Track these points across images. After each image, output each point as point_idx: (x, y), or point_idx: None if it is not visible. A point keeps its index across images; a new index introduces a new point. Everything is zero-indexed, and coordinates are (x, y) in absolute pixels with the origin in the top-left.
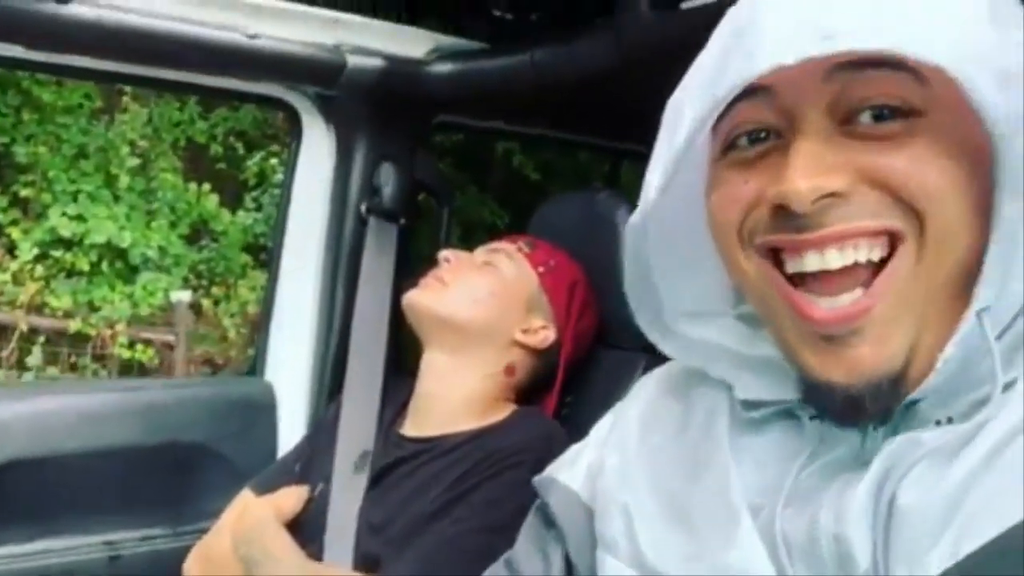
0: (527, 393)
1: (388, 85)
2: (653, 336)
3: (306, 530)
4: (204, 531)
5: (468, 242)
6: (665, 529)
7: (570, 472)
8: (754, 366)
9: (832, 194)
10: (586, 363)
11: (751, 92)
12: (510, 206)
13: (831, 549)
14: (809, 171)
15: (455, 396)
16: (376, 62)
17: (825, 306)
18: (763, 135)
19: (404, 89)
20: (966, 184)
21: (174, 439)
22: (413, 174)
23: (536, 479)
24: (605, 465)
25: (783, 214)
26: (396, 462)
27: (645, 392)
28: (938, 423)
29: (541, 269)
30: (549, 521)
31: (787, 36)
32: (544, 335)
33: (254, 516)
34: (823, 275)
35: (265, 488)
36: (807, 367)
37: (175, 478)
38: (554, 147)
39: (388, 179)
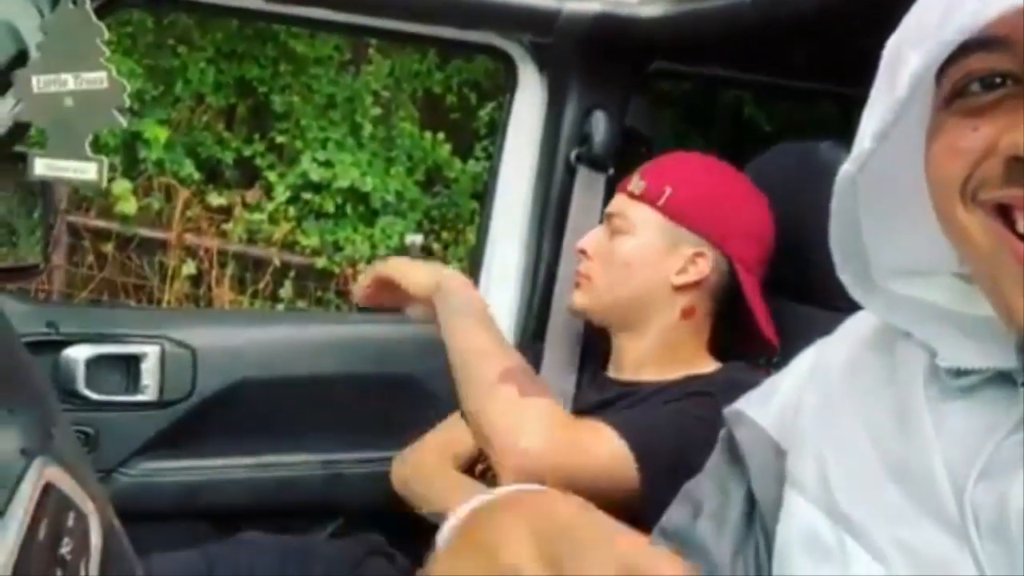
0: (732, 330)
1: (602, 31)
2: (856, 293)
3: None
4: None
5: None
6: (863, 478)
7: (762, 409)
8: (967, 328)
9: None
10: (799, 323)
11: (984, 43)
12: (738, 160)
13: (1020, 529)
14: None
15: (644, 351)
16: (591, 7)
17: None
18: (999, 81)
19: (618, 35)
20: None
21: (390, 371)
22: (625, 123)
23: (726, 410)
24: (804, 403)
25: (1019, 168)
26: (600, 403)
27: (852, 335)
28: None
29: (660, 202)
30: (735, 456)
31: None
32: (700, 263)
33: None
34: None
35: None
36: None
37: (388, 407)
38: (787, 96)
39: (599, 127)
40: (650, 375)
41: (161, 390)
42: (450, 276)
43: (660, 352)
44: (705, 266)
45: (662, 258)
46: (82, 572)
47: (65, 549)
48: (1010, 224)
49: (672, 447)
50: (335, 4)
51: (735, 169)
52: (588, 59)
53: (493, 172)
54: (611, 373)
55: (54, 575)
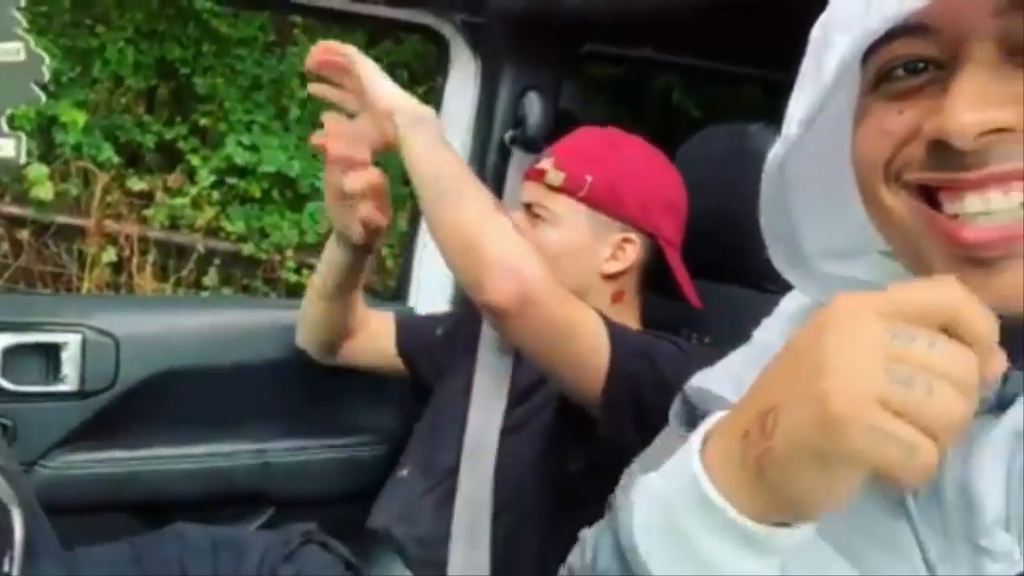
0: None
1: (535, 12)
2: (789, 274)
3: (437, 436)
4: (347, 445)
5: None
6: None
7: (725, 386)
8: None
9: (999, 129)
10: (731, 304)
11: (908, 30)
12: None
13: (956, 498)
14: (974, 103)
15: None
16: None
17: (981, 223)
18: (922, 65)
19: (552, 16)
20: None
21: None
22: (559, 105)
23: (688, 386)
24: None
25: (941, 150)
26: (533, 384)
27: (785, 315)
28: None
29: (582, 193)
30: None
31: None
32: (629, 248)
33: None
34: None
35: (408, 328)
36: None
37: (323, 393)
38: (715, 81)
39: (533, 109)
40: None
41: (83, 380)
42: (421, 104)
43: None
44: (633, 251)
45: (590, 248)
46: (5, 567)
47: None
48: (934, 204)
49: (640, 348)
50: None
51: (641, 140)
52: (522, 40)
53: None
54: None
55: None
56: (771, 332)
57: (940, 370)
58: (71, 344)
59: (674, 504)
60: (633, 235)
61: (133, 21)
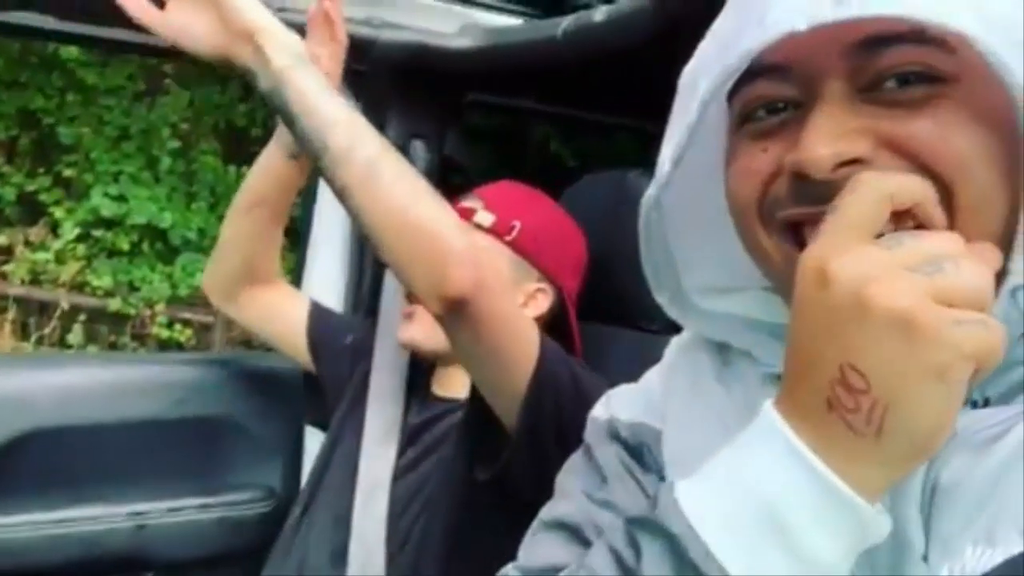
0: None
1: (419, 61)
2: (673, 312)
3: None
4: (228, 503)
5: None
6: None
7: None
8: (781, 335)
9: (853, 161)
10: (614, 345)
11: (767, 70)
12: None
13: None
14: (828, 136)
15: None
16: (407, 37)
17: None
18: (781, 106)
19: (435, 65)
20: (996, 152)
21: (201, 413)
22: (443, 153)
23: (620, 425)
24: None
25: (802, 184)
26: (427, 421)
27: (679, 356)
28: (975, 404)
29: (510, 236)
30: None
31: (800, 3)
32: (541, 298)
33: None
34: None
35: (323, 321)
36: None
37: (201, 451)
38: (591, 131)
39: (418, 157)
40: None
41: None
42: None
43: None
44: (544, 302)
45: None
46: None
47: None
48: (800, 242)
49: (563, 356)
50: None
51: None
52: (405, 89)
53: (306, 205)
54: (437, 390)
55: None
56: (660, 376)
57: (945, 251)
58: None
59: (776, 500)
60: (546, 286)
61: None
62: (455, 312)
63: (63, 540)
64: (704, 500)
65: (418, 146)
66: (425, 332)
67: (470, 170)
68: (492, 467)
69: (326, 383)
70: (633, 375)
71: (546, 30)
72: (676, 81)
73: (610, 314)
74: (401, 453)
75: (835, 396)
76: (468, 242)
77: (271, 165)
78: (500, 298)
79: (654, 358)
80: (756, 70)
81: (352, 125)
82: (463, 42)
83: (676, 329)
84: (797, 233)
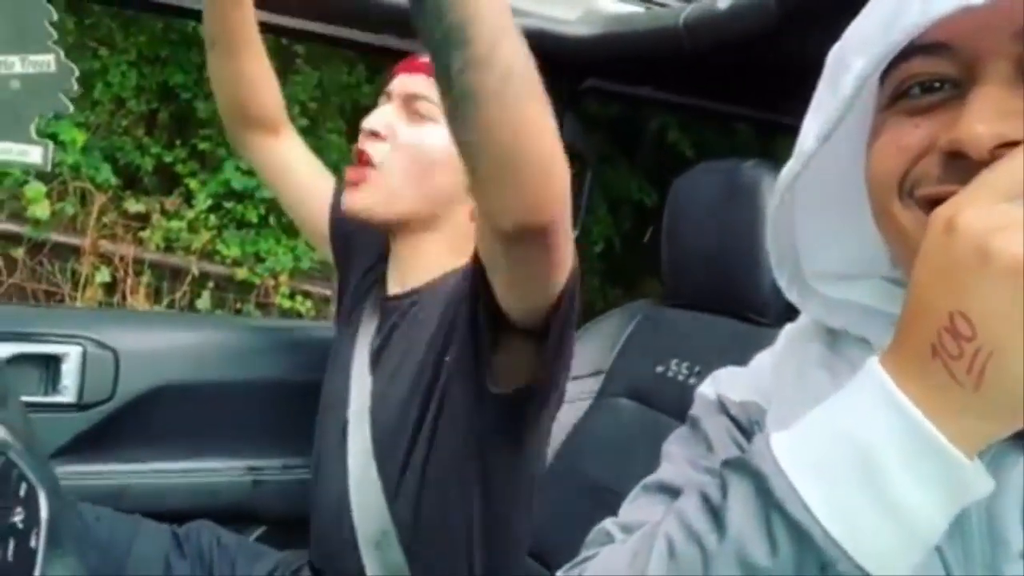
0: None
1: (538, 46)
2: (792, 295)
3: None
4: None
5: (614, 216)
6: None
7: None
8: None
9: (1014, 143)
10: (725, 336)
11: (926, 48)
12: (661, 183)
13: (982, 525)
14: (989, 116)
15: (434, 255)
16: (527, 22)
17: None
18: (938, 84)
19: (553, 51)
20: None
21: (315, 378)
22: (561, 139)
23: (730, 403)
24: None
25: (957, 163)
26: (392, 327)
27: (792, 342)
28: None
29: None
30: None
31: None
32: None
33: None
34: None
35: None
36: None
37: (311, 413)
38: (709, 121)
39: None
40: (439, 272)
41: (81, 392)
42: None
43: (448, 255)
44: None
45: None
46: (32, 543)
47: (17, 518)
48: None
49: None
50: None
51: None
52: None
53: None
54: (393, 289)
55: (6, 542)
56: (774, 364)
57: None
58: (71, 356)
59: (867, 445)
60: None
61: (136, 45)
62: (531, 237)
63: (187, 489)
64: (796, 445)
65: None
66: (380, 198)
67: (586, 157)
68: (514, 378)
69: (341, 264)
70: (738, 366)
71: (667, 19)
72: (797, 72)
73: (721, 305)
74: (375, 363)
75: (940, 343)
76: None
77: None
78: (567, 233)
79: (760, 349)
80: (912, 49)
81: (500, 19)
82: (582, 29)
83: (786, 322)
84: None
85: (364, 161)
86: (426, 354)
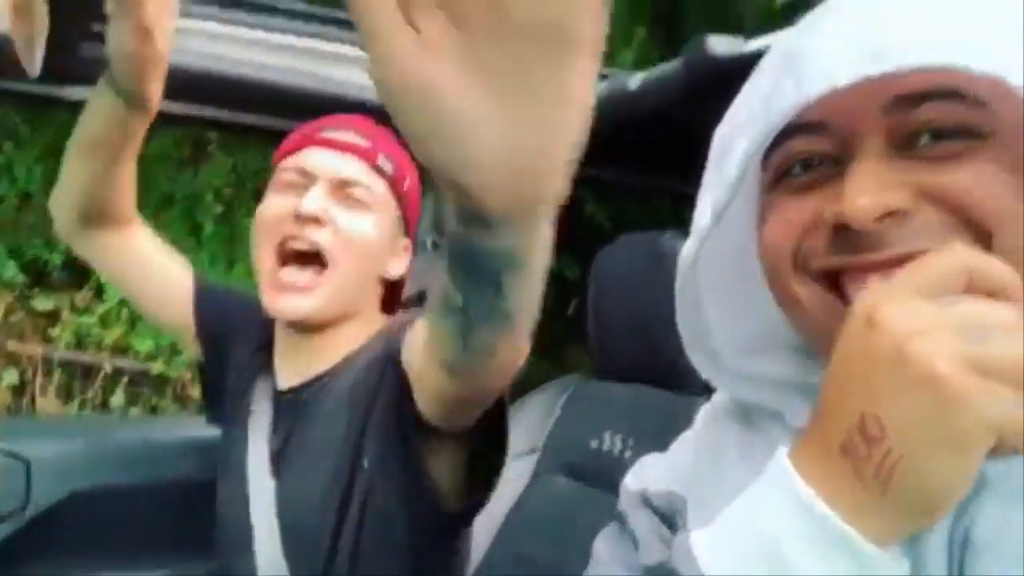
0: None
1: None
2: (705, 372)
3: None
4: None
5: None
6: None
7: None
8: (812, 395)
9: (895, 212)
10: (650, 406)
11: (804, 128)
12: (580, 256)
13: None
14: (869, 188)
15: (343, 341)
16: None
17: None
18: (818, 161)
19: None
20: None
21: None
22: None
23: (655, 496)
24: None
25: (843, 236)
26: (291, 425)
27: (710, 419)
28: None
29: (404, 188)
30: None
31: (838, 58)
32: (405, 257)
33: None
34: None
35: (210, 293)
36: None
37: None
38: (626, 193)
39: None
40: (342, 356)
41: None
42: None
43: (354, 339)
44: (407, 260)
45: (389, 247)
46: None
47: None
48: (841, 295)
49: None
50: (181, 95)
51: None
52: None
53: None
54: (288, 382)
55: None
56: (694, 429)
57: (999, 322)
58: None
59: (781, 543)
60: (408, 244)
61: (43, 139)
62: (477, 391)
63: None
64: (715, 545)
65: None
66: (330, 299)
67: None
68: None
69: (213, 367)
70: (670, 436)
71: None
72: (707, 143)
73: (650, 376)
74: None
75: (850, 442)
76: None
77: (103, 104)
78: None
79: (690, 419)
80: (791, 129)
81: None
82: None
83: (711, 391)
84: (834, 282)
85: (310, 258)
86: (338, 454)
